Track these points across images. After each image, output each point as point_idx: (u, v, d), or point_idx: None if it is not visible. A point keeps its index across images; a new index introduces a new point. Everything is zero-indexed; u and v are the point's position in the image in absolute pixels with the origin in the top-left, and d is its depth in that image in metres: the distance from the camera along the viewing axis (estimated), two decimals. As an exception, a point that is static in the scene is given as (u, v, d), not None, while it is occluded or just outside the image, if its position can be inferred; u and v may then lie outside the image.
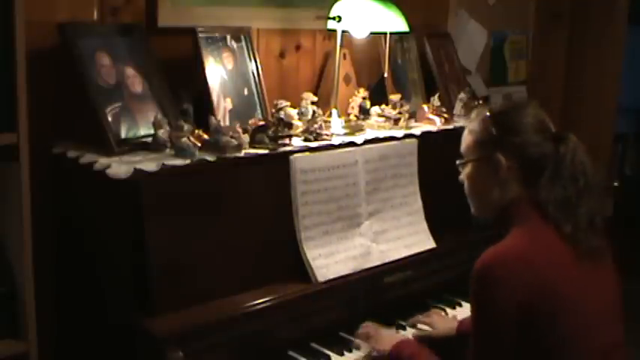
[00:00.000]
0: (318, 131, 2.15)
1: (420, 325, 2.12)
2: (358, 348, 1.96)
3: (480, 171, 1.73)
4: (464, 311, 2.22)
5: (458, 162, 1.79)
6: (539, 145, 1.66)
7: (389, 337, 1.95)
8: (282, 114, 2.04)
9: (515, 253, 1.58)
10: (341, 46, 2.37)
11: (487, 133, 1.71)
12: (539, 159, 1.66)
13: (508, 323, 1.54)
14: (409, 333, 2.08)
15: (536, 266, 1.55)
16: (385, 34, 2.51)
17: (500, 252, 1.59)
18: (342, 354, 1.94)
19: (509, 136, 1.68)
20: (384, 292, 2.17)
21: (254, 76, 2.26)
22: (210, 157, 1.87)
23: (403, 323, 2.13)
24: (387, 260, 2.21)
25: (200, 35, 2.10)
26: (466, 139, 1.77)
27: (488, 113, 1.74)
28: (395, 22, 2.34)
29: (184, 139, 1.85)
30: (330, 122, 2.26)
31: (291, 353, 1.91)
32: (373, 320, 2.06)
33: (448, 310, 2.25)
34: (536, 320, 1.53)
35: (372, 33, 2.43)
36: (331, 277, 2.05)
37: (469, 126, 1.78)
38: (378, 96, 2.52)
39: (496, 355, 1.57)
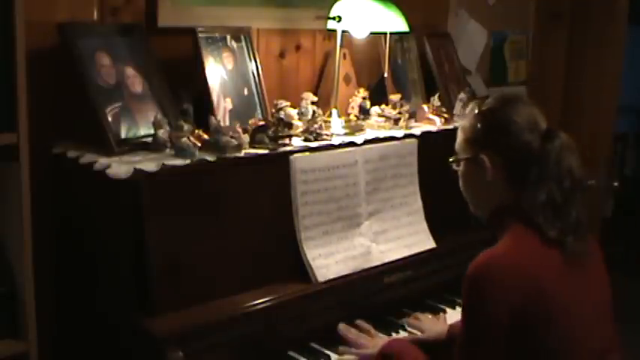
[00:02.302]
0: (318, 131, 2.15)
1: (409, 330, 2.10)
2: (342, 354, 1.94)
3: (469, 170, 1.70)
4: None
5: (450, 159, 1.75)
6: (527, 144, 1.60)
7: (374, 340, 1.94)
8: (282, 114, 2.04)
9: (507, 258, 1.55)
10: (341, 46, 2.37)
11: (475, 131, 1.67)
12: (526, 159, 1.60)
13: (497, 328, 1.51)
14: (409, 333, 2.09)
15: (527, 271, 1.53)
16: (385, 34, 2.51)
17: (493, 256, 1.56)
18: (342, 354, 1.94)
19: (497, 135, 1.63)
20: (384, 292, 2.17)
21: (254, 76, 2.26)
22: (210, 157, 1.87)
23: (403, 323, 2.13)
24: (387, 260, 2.21)
25: (200, 35, 2.10)
26: (458, 136, 1.73)
27: (476, 110, 1.69)
28: (395, 22, 2.34)
29: (184, 139, 1.85)
30: (330, 122, 2.27)
31: (291, 353, 1.91)
32: (373, 321, 2.07)
33: (448, 310, 2.25)
34: (531, 325, 1.51)
35: (372, 33, 2.43)
36: (331, 277, 2.05)
37: (462, 122, 1.74)
38: (378, 96, 2.52)
39: (481, 356, 1.56)
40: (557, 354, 1.53)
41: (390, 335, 2.05)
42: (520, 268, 1.53)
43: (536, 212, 1.58)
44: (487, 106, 1.69)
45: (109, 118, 1.89)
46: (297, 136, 2.11)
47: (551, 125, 1.66)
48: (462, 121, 1.74)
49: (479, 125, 1.66)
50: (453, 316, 2.18)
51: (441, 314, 2.21)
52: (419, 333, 2.06)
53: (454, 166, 1.75)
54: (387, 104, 2.47)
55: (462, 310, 1.59)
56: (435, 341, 2.00)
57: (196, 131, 1.90)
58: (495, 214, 1.67)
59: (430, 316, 2.17)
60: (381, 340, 1.95)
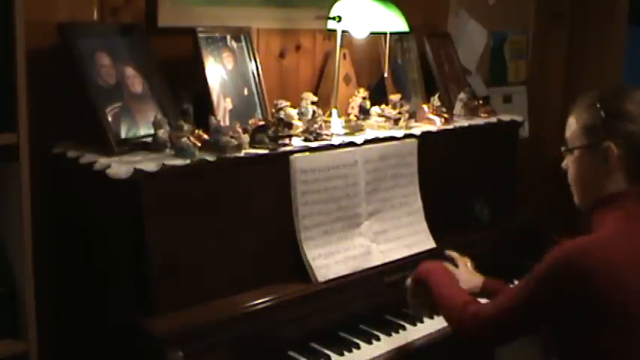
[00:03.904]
0: (318, 131, 2.15)
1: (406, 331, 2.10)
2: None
3: (587, 159, 1.65)
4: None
5: (563, 149, 1.71)
6: None
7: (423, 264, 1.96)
8: (282, 114, 2.04)
9: (604, 251, 1.52)
10: (341, 46, 2.37)
11: (597, 118, 1.62)
12: None
13: (554, 308, 1.52)
14: (408, 333, 2.08)
15: (617, 264, 1.50)
16: (385, 34, 2.52)
17: (593, 243, 1.54)
18: (342, 354, 1.93)
19: (621, 122, 1.60)
20: (384, 292, 2.16)
21: (254, 76, 2.26)
22: (210, 157, 1.87)
23: (403, 323, 2.13)
24: (387, 260, 2.21)
25: (200, 35, 2.10)
26: (571, 125, 1.69)
27: (598, 99, 1.64)
28: (395, 22, 2.34)
29: (184, 139, 1.85)
30: (330, 122, 2.27)
31: (291, 353, 1.91)
32: (373, 321, 2.07)
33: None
34: (605, 317, 1.49)
35: (372, 33, 2.43)
36: (331, 277, 2.05)
37: (574, 111, 1.69)
38: (378, 96, 2.52)
39: (521, 319, 1.58)
40: (624, 352, 1.50)
41: (390, 335, 2.05)
42: (609, 260, 1.50)
43: None
44: (608, 94, 1.66)
45: (109, 118, 1.89)
46: (297, 136, 2.11)
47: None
48: (576, 110, 1.69)
49: (602, 112, 1.62)
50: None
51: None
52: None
53: (565, 156, 1.71)
54: (387, 104, 2.47)
55: (529, 275, 1.58)
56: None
57: (196, 131, 1.90)
58: (603, 202, 1.62)
59: (468, 266, 2.15)
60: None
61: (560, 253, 1.54)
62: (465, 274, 2.08)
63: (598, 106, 1.63)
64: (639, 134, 1.59)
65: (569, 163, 1.71)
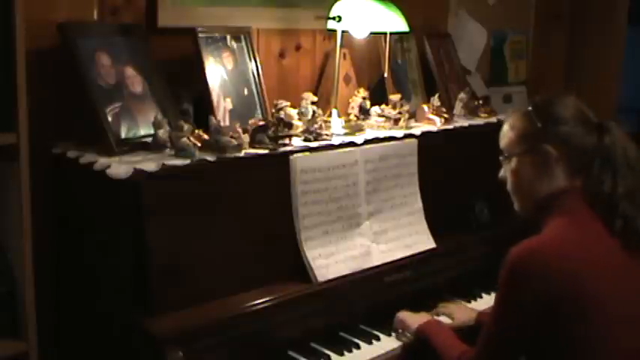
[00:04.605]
0: (318, 131, 2.15)
1: (439, 317, 2.14)
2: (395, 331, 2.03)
3: (526, 164, 1.71)
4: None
5: (501, 158, 1.78)
6: (584, 136, 1.66)
7: (417, 317, 2.00)
8: (282, 114, 2.04)
9: (552, 247, 1.57)
10: (341, 46, 2.37)
11: (531, 125, 1.70)
12: (585, 150, 1.65)
13: (527, 317, 1.54)
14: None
15: (572, 260, 1.54)
16: (385, 34, 2.52)
17: (539, 244, 1.58)
18: (342, 354, 1.94)
19: (555, 126, 1.67)
20: (384, 292, 2.16)
21: (254, 76, 2.26)
22: (210, 157, 1.87)
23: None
24: (387, 260, 2.21)
25: (200, 35, 2.10)
26: (507, 135, 1.76)
27: (529, 106, 1.73)
28: (395, 22, 2.34)
29: (184, 139, 1.85)
30: (330, 122, 2.26)
31: (291, 353, 1.91)
32: (373, 321, 2.07)
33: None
34: (564, 317, 1.52)
35: (372, 33, 2.43)
36: (331, 277, 2.05)
37: (509, 121, 1.77)
38: (378, 96, 2.52)
39: (505, 346, 1.59)
40: (589, 349, 1.52)
41: (390, 335, 2.05)
42: (563, 257, 1.54)
43: (606, 200, 1.61)
44: (540, 101, 1.73)
45: (109, 118, 1.89)
46: (297, 136, 2.11)
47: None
48: (510, 120, 1.77)
49: (536, 119, 1.69)
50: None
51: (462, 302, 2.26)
52: (448, 319, 2.12)
53: (503, 164, 1.78)
54: (387, 104, 2.47)
55: (497, 294, 1.61)
56: (464, 327, 2.05)
57: (196, 131, 1.90)
58: (546, 202, 1.67)
59: (461, 303, 2.22)
60: (419, 316, 2.01)
61: (512, 259, 1.57)
62: (459, 309, 2.16)
63: (532, 114, 1.71)
64: (573, 134, 1.66)
65: (507, 172, 1.77)
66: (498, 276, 1.59)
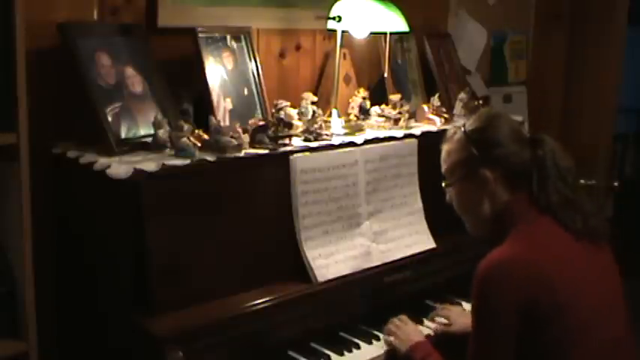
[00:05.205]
0: (318, 131, 2.15)
1: (437, 319, 2.14)
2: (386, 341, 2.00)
3: (466, 188, 1.78)
4: (464, 311, 2.21)
5: (443, 184, 1.84)
6: (519, 152, 1.72)
7: (408, 336, 1.96)
8: (282, 114, 2.04)
9: (517, 255, 1.61)
10: (341, 46, 2.37)
11: (467, 151, 1.76)
12: (522, 165, 1.72)
13: (507, 327, 1.56)
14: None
15: (539, 264, 1.58)
16: (385, 34, 2.52)
17: (503, 256, 1.62)
18: (342, 354, 1.94)
19: (489, 149, 1.73)
20: (384, 292, 2.17)
21: (254, 76, 2.26)
22: (210, 157, 1.87)
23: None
24: (387, 260, 2.21)
25: (200, 35, 2.10)
26: (446, 161, 1.83)
27: (463, 133, 1.78)
28: (395, 22, 2.34)
29: (184, 139, 1.85)
30: (330, 122, 2.27)
31: (291, 353, 1.91)
32: (373, 321, 2.07)
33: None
34: (541, 318, 1.55)
35: (372, 33, 2.43)
36: (331, 277, 2.05)
37: (446, 147, 1.84)
38: (378, 96, 2.52)
39: (493, 358, 1.60)
40: (568, 344, 1.56)
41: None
42: (530, 262, 1.58)
43: (558, 208, 1.67)
44: (472, 127, 1.79)
45: (109, 118, 1.89)
46: (297, 136, 2.11)
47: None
48: (446, 146, 1.83)
49: (470, 145, 1.76)
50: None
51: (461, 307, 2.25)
52: (445, 322, 2.13)
53: (447, 190, 1.84)
54: (387, 104, 2.47)
55: (472, 310, 1.64)
56: (463, 333, 2.02)
57: (196, 131, 1.90)
58: (499, 218, 1.73)
59: (460, 308, 2.22)
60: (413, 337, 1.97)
61: (480, 273, 1.60)
62: (457, 315, 2.15)
63: (466, 140, 1.77)
64: (507, 154, 1.72)
65: (451, 196, 1.83)
66: (471, 293, 1.62)
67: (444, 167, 1.84)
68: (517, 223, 1.68)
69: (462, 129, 1.79)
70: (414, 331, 2.00)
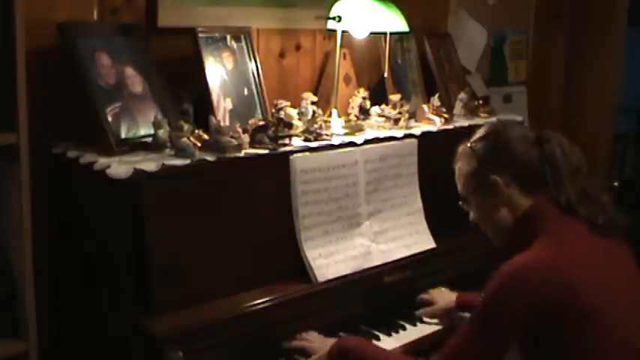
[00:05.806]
0: (318, 131, 2.15)
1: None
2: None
3: (482, 200, 1.77)
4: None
5: (460, 203, 1.83)
6: (527, 152, 1.71)
7: (323, 339, 1.91)
8: (282, 114, 2.04)
9: (542, 261, 1.58)
10: (341, 46, 2.37)
11: (473, 162, 1.76)
12: (532, 164, 1.71)
13: (504, 327, 1.56)
14: (409, 333, 2.09)
15: (564, 269, 1.56)
16: (385, 34, 2.52)
17: (528, 260, 1.59)
18: (342, 354, 1.94)
19: (495, 154, 1.73)
20: (384, 292, 2.17)
21: (254, 76, 2.26)
22: (210, 157, 1.87)
23: (403, 323, 2.13)
24: (387, 260, 2.21)
25: (200, 35, 2.10)
26: (459, 179, 1.82)
27: (469, 147, 1.79)
28: (395, 22, 2.34)
29: (184, 139, 1.85)
30: (330, 122, 2.26)
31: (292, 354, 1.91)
32: (373, 320, 2.07)
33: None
34: (565, 321, 1.53)
35: (372, 33, 2.43)
36: (331, 277, 2.05)
37: (457, 165, 1.83)
38: (378, 96, 2.52)
39: (477, 354, 1.59)
40: (591, 351, 1.53)
41: (390, 335, 2.05)
42: (552, 268, 1.56)
43: (578, 204, 1.65)
44: (477, 139, 1.80)
45: (109, 118, 1.89)
46: (297, 136, 2.11)
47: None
48: (457, 165, 1.83)
49: (476, 156, 1.76)
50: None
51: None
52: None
53: (466, 208, 1.82)
54: (387, 104, 2.47)
55: (481, 302, 1.60)
56: (446, 309, 2.12)
57: (196, 131, 1.90)
58: (522, 225, 1.70)
59: (438, 289, 2.25)
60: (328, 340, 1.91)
61: (503, 274, 1.57)
62: (438, 294, 2.20)
63: (471, 152, 1.78)
64: (514, 156, 1.72)
65: (472, 213, 1.82)
66: (485, 287, 1.59)
67: (458, 187, 1.83)
68: (543, 226, 1.65)
69: (468, 144, 1.80)
70: (323, 337, 1.94)
